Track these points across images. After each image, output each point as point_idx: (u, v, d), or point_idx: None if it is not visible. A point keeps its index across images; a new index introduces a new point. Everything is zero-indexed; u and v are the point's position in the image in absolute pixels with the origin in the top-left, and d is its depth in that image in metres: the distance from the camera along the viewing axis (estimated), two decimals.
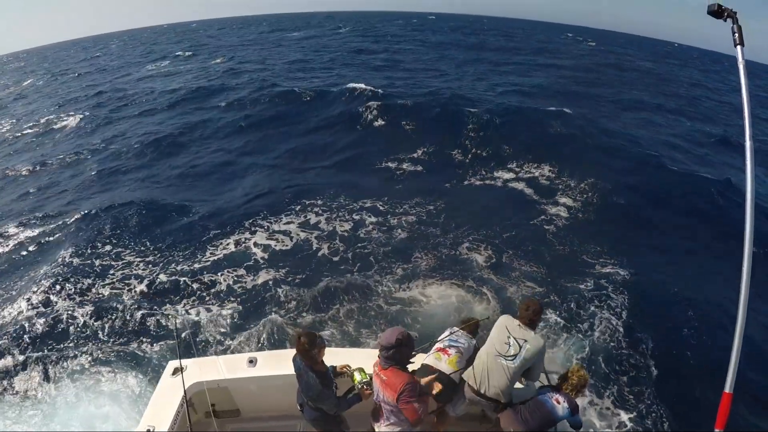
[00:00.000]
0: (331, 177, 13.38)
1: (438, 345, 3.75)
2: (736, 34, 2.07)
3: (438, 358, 3.63)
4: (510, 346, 3.39)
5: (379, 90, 21.48)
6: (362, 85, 22.38)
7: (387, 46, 44.75)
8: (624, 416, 5.48)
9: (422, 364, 3.60)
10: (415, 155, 14.94)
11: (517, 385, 3.57)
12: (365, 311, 7.46)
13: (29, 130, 22.09)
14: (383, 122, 18.19)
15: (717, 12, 2.11)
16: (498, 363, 3.41)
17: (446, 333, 3.83)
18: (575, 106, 19.93)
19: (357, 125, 18.29)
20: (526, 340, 3.40)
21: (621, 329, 7.00)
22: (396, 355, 2.90)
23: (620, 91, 27.57)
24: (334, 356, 3.50)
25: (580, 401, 3.85)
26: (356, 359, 3.71)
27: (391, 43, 49.07)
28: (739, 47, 2.08)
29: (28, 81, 40.45)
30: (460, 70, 31.53)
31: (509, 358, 3.37)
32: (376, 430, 3.22)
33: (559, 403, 3.37)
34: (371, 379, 3.28)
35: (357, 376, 3.34)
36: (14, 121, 25.15)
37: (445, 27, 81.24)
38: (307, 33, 64.49)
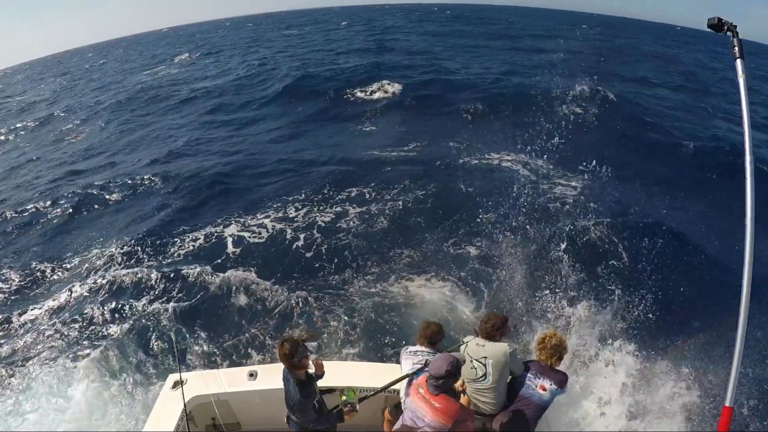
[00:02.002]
0: (334, 166, 13.14)
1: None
2: (736, 48, 2.03)
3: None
4: (476, 369, 3.48)
5: (381, 81, 21.69)
6: (365, 75, 22.88)
7: (391, 37, 44.32)
8: (624, 420, 5.38)
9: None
10: (413, 142, 14.72)
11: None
12: (367, 318, 7.17)
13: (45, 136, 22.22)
14: (382, 110, 18.34)
15: (717, 26, 2.11)
16: (475, 388, 3.53)
17: (407, 366, 3.57)
18: (580, 85, 19.41)
19: (356, 113, 18.48)
20: (485, 357, 3.45)
21: (619, 328, 6.66)
22: (445, 385, 3.03)
23: (625, 69, 27.26)
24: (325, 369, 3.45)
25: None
26: (345, 372, 3.79)
27: (395, 33, 48.72)
28: (739, 60, 2.03)
29: (28, 94, 40.19)
30: (461, 55, 31.57)
31: (480, 380, 3.48)
32: None
33: (545, 389, 3.40)
34: (359, 401, 3.28)
35: (344, 396, 3.27)
36: (24, 127, 25.23)
37: (444, 17, 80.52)
38: (306, 30, 64.09)
